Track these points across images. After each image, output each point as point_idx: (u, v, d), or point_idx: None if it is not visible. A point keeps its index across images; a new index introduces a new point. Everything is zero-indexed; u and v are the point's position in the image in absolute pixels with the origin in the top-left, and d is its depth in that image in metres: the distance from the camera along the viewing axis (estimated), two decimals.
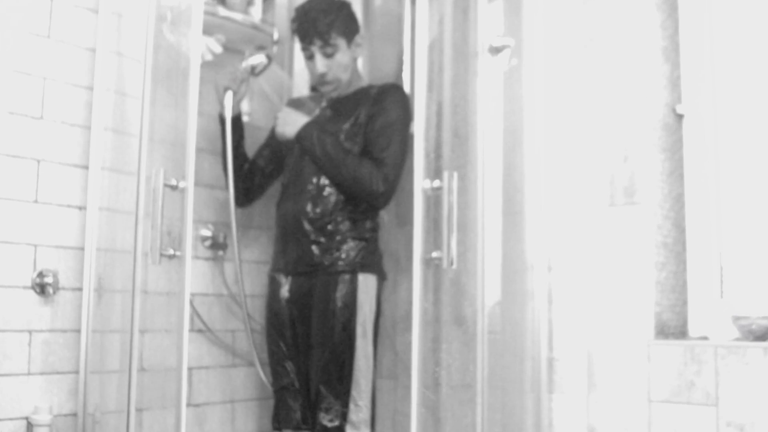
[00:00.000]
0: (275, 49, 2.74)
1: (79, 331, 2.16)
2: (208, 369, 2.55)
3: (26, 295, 2.09)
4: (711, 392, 2.04)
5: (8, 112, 2.08)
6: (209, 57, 2.50)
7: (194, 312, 2.47)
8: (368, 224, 2.37)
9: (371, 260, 2.35)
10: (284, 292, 2.39)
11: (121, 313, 2.02)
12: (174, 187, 1.84)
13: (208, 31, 2.41)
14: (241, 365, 2.64)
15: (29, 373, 2.08)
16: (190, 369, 2.43)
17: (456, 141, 2.23)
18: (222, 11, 2.53)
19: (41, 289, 2.11)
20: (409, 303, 1.84)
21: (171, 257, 1.85)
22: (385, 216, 2.52)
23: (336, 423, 2.23)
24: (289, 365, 2.38)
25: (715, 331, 2.21)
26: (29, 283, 2.10)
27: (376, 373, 2.34)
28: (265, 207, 2.67)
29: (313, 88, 2.62)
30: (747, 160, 2.25)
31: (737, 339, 2.12)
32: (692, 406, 2.07)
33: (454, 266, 1.87)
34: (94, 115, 2.22)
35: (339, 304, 2.27)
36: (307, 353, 2.33)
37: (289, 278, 2.39)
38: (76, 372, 2.15)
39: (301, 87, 2.81)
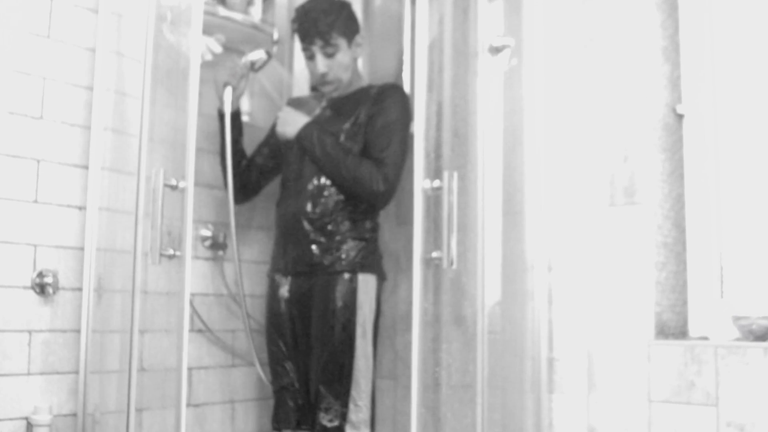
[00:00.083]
0: (275, 48, 2.74)
1: (78, 331, 2.16)
2: (207, 369, 2.54)
3: (26, 295, 2.09)
4: (711, 392, 2.04)
5: (8, 112, 2.08)
6: (209, 57, 2.50)
7: (194, 312, 2.46)
8: (368, 224, 2.37)
9: (371, 260, 2.35)
10: (284, 292, 2.39)
11: (120, 313, 2.02)
12: (174, 187, 1.84)
13: (208, 31, 2.41)
14: (240, 365, 2.64)
15: (29, 373, 2.08)
16: (190, 369, 2.43)
17: (456, 141, 2.23)
18: (222, 11, 2.53)
19: (41, 289, 2.11)
20: (409, 303, 1.84)
21: (171, 257, 1.84)
22: (385, 215, 2.52)
23: (336, 423, 2.23)
24: (289, 365, 2.38)
25: (716, 331, 2.21)
26: (29, 283, 2.10)
27: (376, 373, 2.34)
28: (266, 207, 2.67)
29: (314, 88, 2.62)
30: (747, 160, 2.25)
31: (737, 339, 2.12)
32: (692, 406, 2.06)
33: (454, 266, 1.87)
34: (94, 115, 2.22)
35: (339, 304, 2.27)
36: (307, 353, 2.33)
37: (289, 278, 2.39)
38: (76, 372, 2.15)
39: (301, 87, 2.81)
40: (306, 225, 2.34)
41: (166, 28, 2.03)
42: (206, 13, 2.15)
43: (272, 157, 2.55)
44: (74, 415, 2.14)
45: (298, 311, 2.36)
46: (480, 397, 1.94)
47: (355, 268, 2.31)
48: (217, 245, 2.59)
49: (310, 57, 2.41)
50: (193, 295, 2.39)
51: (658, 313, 2.21)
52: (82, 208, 2.20)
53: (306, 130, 2.37)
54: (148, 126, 1.96)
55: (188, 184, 1.83)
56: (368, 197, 2.32)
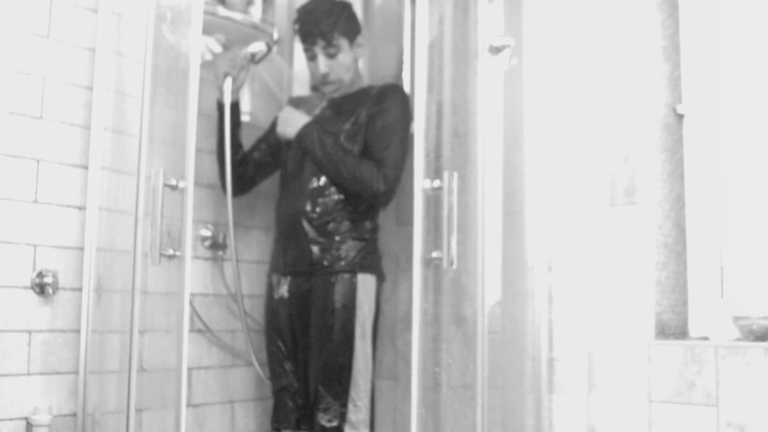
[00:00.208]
0: (275, 48, 2.74)
1: (78, 331, 2.16)
2: (207, 369, 2.54)
3: (26, 295, 2.09)
4: (711, 392, 2.04)
5: (8, 111, 2.08)
6: (209, 57, 2.50)
7: (194, 312, 2.46)
8: (368, 224, 2.37)
9: (371, 260, 2.35)
10: (283, 292, 2.39)
11: (120, 314, 2.02)
12: (174, 187, 1.84)
13: (207, 30, 2.41)
14: (240, 365, 2.63)
15: (29, 374, 2.07)
16: (189, 369, 2.43)
17: (456, 141, 2.23)
18: (222, 11, 2.53)
19: (41, 289, 2.11)
20: (409, 303, 1.84)
21: (171, 257, 1.84)
22: (385, 215, 2.52)
23: (334, 423, 2.23)
24: (288, 365, 2.37)
25: (716, 331, 2.21)
26: (29, 283, 2.10)
27: (376, 374, 2.34)
28: (266, 207, 2.67)
29: (314, 88, 2.62)
30: (748, 160, 2.25)
31: (738, 339, 2.12)
32: (693, 406, 2.06)
33: (454, 266, 1.87)
34: (94, 114, 2.22)
35: (338, 304, 2.27)
36: (306, 353, 2.33)
37: (288, 278, 2.38)
38: (76, 372, 2.15)
39: (301, 87, 2.81)
40: (306, 225, 2.34)
41: (165, 28, 2.03)
42: (206, 12, 2.14)
43: (270, 154, 2.54)
44: (74, 415, 2.14)
45: (298, 311, 2.36)
46: (480, 397, 1.94)
47: (355, 268, 2.31)
48: (216, 245, 2.59)
49: (312, 57, 2.41)
50: (192, 295, 2.39)
51: (659, 313, 2.20)
52: (81, 208, 2.20)
53: (306, 130, 2.37)
54: (148, 126, 1.96)
55: (188, 184, 1.82)
56: (368, 197, 2.32)
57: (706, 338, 2.22)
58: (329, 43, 2.36)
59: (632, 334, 2.19)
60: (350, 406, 2.24)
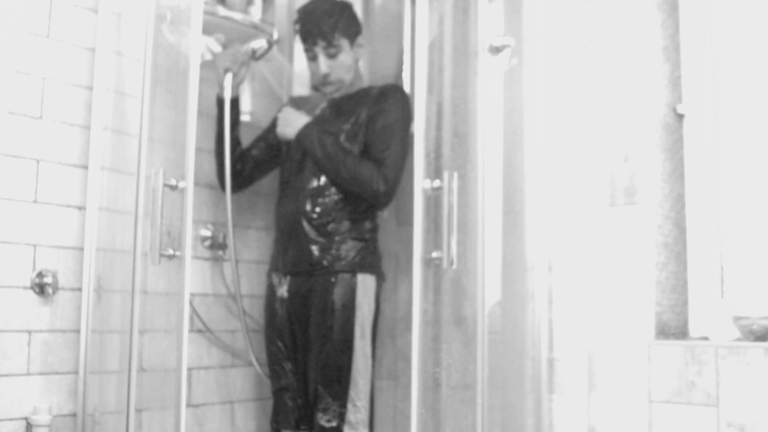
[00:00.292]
0: (276, 38, 2.73)
1: (78, 331, 2.16)
2: (207, 369, 2.54)
3: (25, 295, 2.09)
4: (712, 392, 2.03)
5: (8, 111, 2.08)
6: (209, 57, 2.50)
7: (194, 312, 2.46)
8: (368, 225, 2.37)
9: (370, 261, 2.35)
10: (283, 292, 2.39)
11: (120, 314, 2.02)
12: (174, 187, 1.84)
13: (207, 30, 2.41)
14: (240, 365, 2.63)
15: (28, 374, 2.07)
16: (189, 369, 2.43)
17: (456, 141, 2.23)
18: (222, 11, 2.53)
19: (40, 289, 2.11)
20: (409, 303, 1.84)
21: (170, 257, 1.84)
22: (385, 215, 2.51)
23: (334, 423, 2.23)
24: (288, 365, 2.37)
25: (716, 331, 2.21)
26: (28, 283, 2.10)
27: (376, 374, 2.34)
28: (265, 207, 2.67)
29: (315, 88, 2.61)
30: (748, 160, 2.25)
31: (738, 339, 2.11)
32: (693, 406, 2.06)
33: (454, 266, 1.87)
34: (94, 114, 2.22)
35: (338, 304, 2.27)
36: (306, 353, 2.33)
37: (288, 278, 2.38)
38: (76, 372, 2.15)
39: (302, 87, 2.81)
40: (306, 225, 2.34)
41: (165, 28, 2.03)
42: (206, 12, 2.14)
43: (269, 152, 2.54)
44: (74, 415, 2.14)
45: (297, 311, 2.36)
46: (480, 397, 1.94)
47: (355, 268, 2.31)
48: (216, 245, 2.59)
49: (313, 58, 2.41)
50: (192, 295, 2.39)
51: (659, 313, 2.20)
52: (81, 208, 2.20)
53: (306, 130, 2.37)
54: (147, 126, 1.96)
55: (188, 184, 1.82)
56: (369, 197, 2.32)
57: (706, 338, 2.22)
58: (330, 44, 2.36)
59: (632, 334, 2.19)
60: (349, 406, 2.24)
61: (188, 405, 2.43)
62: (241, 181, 2.52)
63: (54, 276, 2.13)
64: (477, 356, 1.96)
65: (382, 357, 2.56)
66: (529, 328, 2.26)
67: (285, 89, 2.84)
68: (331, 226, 2.33)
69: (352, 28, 2.41)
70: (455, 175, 1.86)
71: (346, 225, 2.34)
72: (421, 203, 1.86)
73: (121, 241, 2.03)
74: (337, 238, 2.32)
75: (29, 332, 2.08)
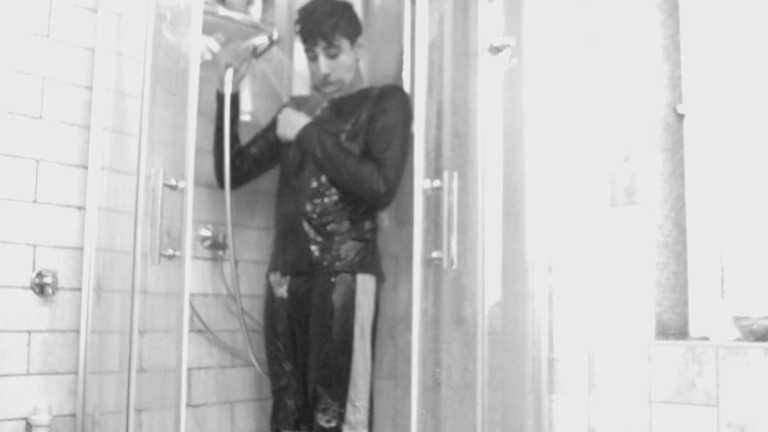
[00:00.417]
0: (276, 36, 2.73)
1: (78, 331, 2.16)
2: (207, 369, 2.54)
3: (25, 296, 2.09)
4: (712, 393, 2.03)
5: (7, 111, 2.08)
6: (209, 57, 2.50)
7: (194, 312, 2.46)
8: (367, 225, 2.37)
9: (370, 261, 2.35)
10: (282, 292, 2.39)
11: (120, 314, 2.02)
12: (173, 187, 1.83)
13: (207, 30, 2.41)
14: (240, 365, 2.63)
15: (28, 374, 2.07)
16: (189, 369, 2.42)
17: (456, 141, 2.23)
18: (221, 11, 2.53)
19: (40, 289, 2.11)
20: (409, 303, 1.84)
21: (170, 257, 1.84)
22: (386, 217, 2.51)
23: (333, 424, 2.22)
24: (288, 366, 2.37)
25: (716, 331, 2.21)
26: (28, 284, 2.09)
27: (375, 374, 2.34)
28: (265, 207, 2.67)
29: (315, 88, 2.61)
30: (748, 160, 2.24)
31: (738, 339, 2.11)
32: (693, 406, 2.06)
33: (454, 266, 1.87)
34: (94, 114, 2.22)
35: (337, 304, 2.27)
36: (305, 354, 2.33)
37: (288, 278, 2.38)
38: (76, 372, 2.15)
39: (302, 87, 2.81)
40: (305, 225, 2.34)
41: (165, 28, 2.03)
42: (206, 12, 2.14)
43: (268, 150, 2.54)
44: (73, 415, 2.14)
45: (297, 311, 2.35)
46: (480, 397, 1.94)
47: (354, 268, 2.30)
48: (216, 245, 2.59)
49: (313, 58, 2.41)
50: (192, 295, 2.39)
51: (659, 313, 2.20)
52: (81, 208, 2.20)
53: (306, 130, 2.37)
54: (147, 126, 1.96)
55: (188, 184, 1.82)
56: (369, 198, 2.32)
57: (706, 338, 2.22)
58: (330, 44, 2.36)
59: (632, 335, 2.19)
60: (349, 406, 2.24)
61: (188, 405, 2.43)
62: (238, 178, 2.51)
63: (54, 276, 2.13)
64: (477, 356, 1.96)
65: (382, 357, 2.56)
66: (529, 328, 2.26)
67: (286, 88, 2.84)
68: (331, 227, 2.33)
69: (352, 29, 2.41)
70: (455, 175, 1.86)
71: (346, 225, 2.33)
72: (421, 203, 1.86)
73: (121, 241, 2.03)
74: (336, 239, 2.32)
75: (29, 332, 2.08)
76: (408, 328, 1.85)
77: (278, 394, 2.38)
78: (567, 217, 2.31)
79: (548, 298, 2.29)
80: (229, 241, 2.43)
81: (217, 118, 2.41)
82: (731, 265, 2.24)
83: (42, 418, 2.05)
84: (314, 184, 2.36)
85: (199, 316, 2.50)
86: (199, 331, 2.51)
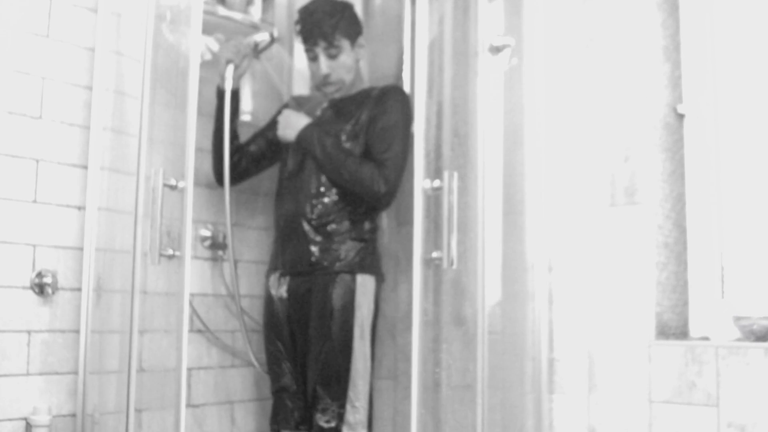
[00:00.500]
0: (277, 34, 2.73)
1: (78, 331, 2.16)
2: (207, 369, 2.54)
3: (25, 296, 2.09)
4: (712, 393, 2.03)
5: (7, 111, 2.08)
6: (208, 56, 2.50)
7: (193, 312, 2.46)
8: (367, 225, 2.37)
9: (370, 261, 2.35)
10: (282, 292, 2.39)
11: (120, 314, 2.02)
12: (173, 187, 1.83)
13: (207, 30, 2.40)
14: (240, 365, 2.63)
15: (28, 374, 2.07)
16: (189, 369, 2.42)
17: (456, 141, 2.23)
18: (221, 10, 2.53)
19: (40, 289, 2.11)
20: (409, 303, 1.84)
21: (170, 257, 1.84)
22: (385, 217, 2.51)
23: (332, 424, 2.22)
24: (287, 366, 2.37)
25: (716, 331, 2.21)
26: (28, 284, 2.09)
27: (375, 374, 2.34)
28: (265, 207, 2.67)
29: (316, 89, 2.61)
30: (748, 160, 2.24)
31: (738, 339, 2.11)
32: (693, 406, 2.06)
33: (454, 266, 1.87)
34: (94, 114, 2.22)
35: (337, 304, 2.27)
36: (305, 354, 2.33)
37: (287, 278, 2.38)
38: (75, 372, 2.15)
39: (302, 87, 2.81)
40: (305, 225, 2.33)
41: (165, 28, 2.03)
42: (206, 12, 2.14)
43: (267, 149, 2.53)
44: (73, 415, 2.14)
45: (297, 312, 2.35)
46: (480, 397, 1.94)
47: (354, 268, 2.30)
48: (216, 245, 2.59)
49: (313, 58, 2.41)
50: (192, 295, 2.39)
51: (659, 313, 2.20)
52: (81, 208, 2.20)
53: (306, 131, 2.37)
54: (147, 126, 1.95)
55: (188, 184, 1.82)
56: (369, 198, 2.32)
57: (706, 338, 2.21)
58: (331, 44, 2.36)
59: (633, 335, 2.19)
60: (348, 407, 2.24)
61: (188, 405, 2.43)
62: (236, 175, 2.50)
63: (54, 276, 2.13)
64: (477, 356, 1.96)
65: (382, 357, 2.56)
66: (529, 328, 2.26)
67: (286, 86, 2.84)
68: (330, 227, 2.33)
69: (352, 29, 2.40)
70: (455, 175, 1.86)
71: (345, 225, 2.33)
72: (421, 203, 1.86)
73: (121, 241, 2.03)
74: (336, 239, 2.32)
75: (29, 332, 2.08)
76: (408, 328, 1.85)
77: (278, 395, 2.38)
78: (567, 217, 2.31)
79: (548, 298, 2.29)
80: (229, 241, 2.43)
81: (217, 114, 2.41)
82: (731, 265, 2.24)
83: (42, 418, 2.05)
84: (314, 185, 2.36)
85: (199, 316, 2.50)
86: (199, 331, 2.51)
